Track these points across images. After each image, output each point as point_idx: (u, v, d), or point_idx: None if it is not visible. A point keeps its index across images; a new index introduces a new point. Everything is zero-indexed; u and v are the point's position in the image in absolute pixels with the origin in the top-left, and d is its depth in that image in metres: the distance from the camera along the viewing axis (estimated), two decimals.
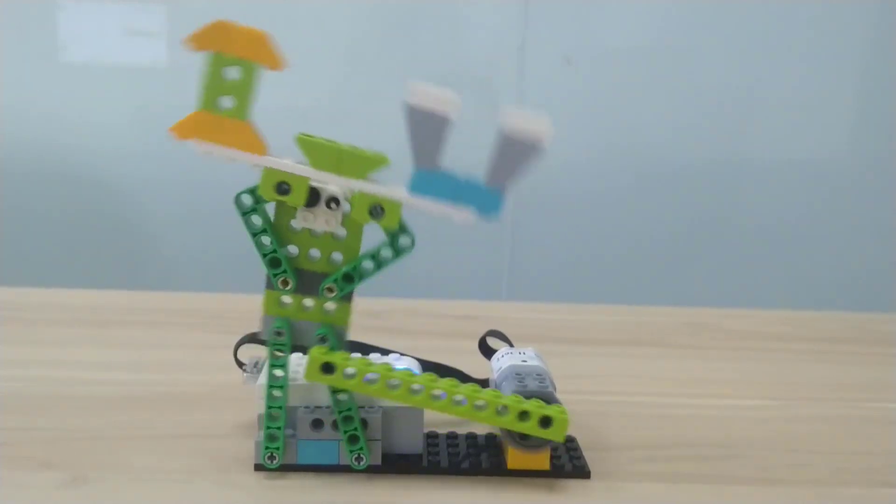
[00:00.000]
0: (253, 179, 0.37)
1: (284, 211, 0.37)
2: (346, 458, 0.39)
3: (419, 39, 1.13)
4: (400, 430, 0.40)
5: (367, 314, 0.65)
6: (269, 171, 0.36)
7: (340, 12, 1.12)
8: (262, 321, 0.38)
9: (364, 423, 0.39)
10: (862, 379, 0.58)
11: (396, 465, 0.40)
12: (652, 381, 0.56)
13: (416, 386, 0.38)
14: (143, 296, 0.74)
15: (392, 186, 0.36)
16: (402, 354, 0.45)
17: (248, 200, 0.37)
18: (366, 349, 0.46)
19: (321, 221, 0.37)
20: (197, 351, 0.59)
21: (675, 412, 0.50)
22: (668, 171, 1.18)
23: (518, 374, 0.41)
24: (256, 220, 0.37)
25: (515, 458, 0.40)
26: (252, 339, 0.44)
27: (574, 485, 0.39)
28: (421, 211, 0.36)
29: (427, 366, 0.46)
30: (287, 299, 0.38)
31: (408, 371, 0.39)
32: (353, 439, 0.39)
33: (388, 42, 1.13)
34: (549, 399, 0.39)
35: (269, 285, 0.38)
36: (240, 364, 0.44)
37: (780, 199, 1.20)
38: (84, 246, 1.18)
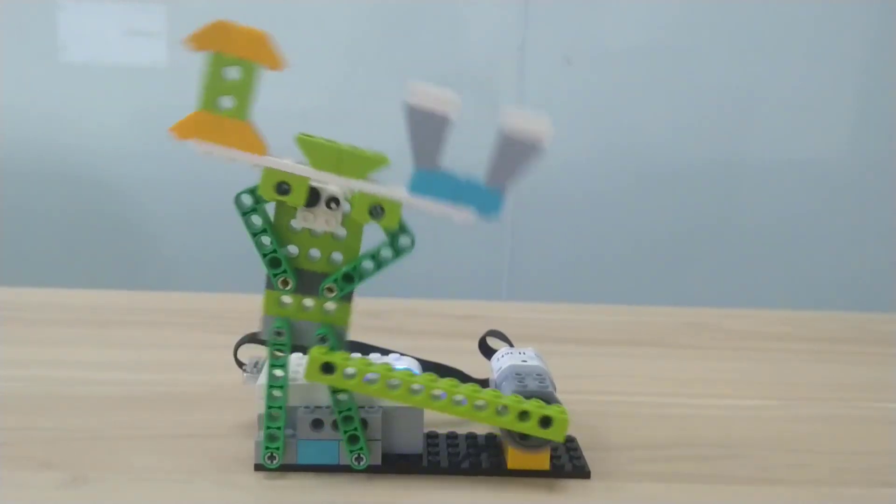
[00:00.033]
0: (253, 179, 0.37)
1: (284, 211, 0.37)
2: (346, 458, 0.39)
3: (419, 39, 1.13)
4: (400, 430, 0.40)
5: (367, 314, 0.65)
6: (268, 171, 0.36)
7: (340, 12, 1.12)
8: (262, 321, 0.38)
9: (364, 423, 0.39)
10: (862, 379, 0.58)
11: (396, 465, 0.40)
12: (652, 381, 0.56)
13: (416, 386, 0.38)
14: (143, 296, 0.74)
15: (392, 186, 0.36)
16: (402, 354, 0.45)
17: (248, 200, 0.37)
18: (366, 349, 0.46)
19: (321, 221, 0.37)
20: (197, 351, 0.59)
21: (675, 412, 0.50)
22: (668, 171, 1.18)
23: (518, 374, 0.41)
24: (256, 220, 0.37)
25: (515, 458, 0.40)
26: (252, 339, 0.44)
27: (574, 485, 0.39)
28: (421, 211, 0.36)
29: (427, 366, 0.46)
30: (287, 299, 0.38)
31: (408, 371, 0.39)
32: (353, 439, 0.39)
33: (388, 42, 1.13)
34: (549, 399, 0.39)
35: (269, 285, 0.38)
36: (240, 364, 0.44)
37: (780, 199, 1.20)
38: (84, 246, 1.18)
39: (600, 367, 0.59)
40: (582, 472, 0.40)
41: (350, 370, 0.38)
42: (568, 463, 0.40)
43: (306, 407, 0.39)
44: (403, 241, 0.37)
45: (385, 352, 0.46)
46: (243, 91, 0.34)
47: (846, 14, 1.14)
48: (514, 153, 0.35)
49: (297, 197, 0.36)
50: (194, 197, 1.13)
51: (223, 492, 0.38)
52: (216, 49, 0.34)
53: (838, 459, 0.44)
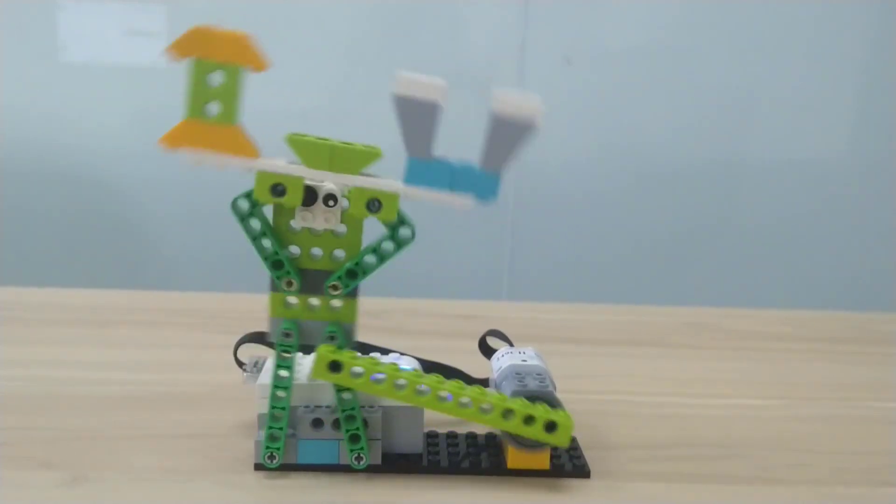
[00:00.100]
0: (249, 181, 0.37)
1: (282, 212, 0.37)
2: (346, 458, 0.39)
3: (419, 39, 1.13)
4: (400, 430, 0.40)
5: (367, 314, 0.65)
6: (262, 174, 0.36)
7: (340, 12, 1.12)
8: (269, 324, 0.38)
9: (364, 422, 0.39)
10: (862, 379, 0.58)
11: (396, 464, 0.40)
12: (652, 381, 0.56)
13: (422, 387, 0.38)
14: (143, 296, 0.74)
15: (387, 179, 0.36)
16: (402, 354, 0.45)
17: (244, 205, 0.37)
18: (366, 349, 0.46)
19: (320, 220, 0.37)
20: (197, 351, 0.59)
21: (675, 412, 0.50)
22: (668, 171, 1.18)
23: (518, 374, 0.41)
24: (255, 223, 0.37)
25: (515, 457, 0.40)
26: (252, 338, 0.44)
27: (574, 484, 0.39)
28: (419, 201, 0.36)
29: (427, 365, 0.46)
30: (293, 300, 0.38)
31: (416, 372, 0.39)
32: (354, 438, 0.39)
33: (388, 42, 1.13)
34: (549, 398, 0.39)
35: (274, 287, 0.38)
36: (240, 364, 0.44)
37: (780, 199, 1.20)
38: (84, 246, 1.18)
39: (600, 367, 0.59)
40: (582, 471, 0.40)
41: (357, 369, 0.38)
42: (568, 463, 0.40)
43: (306, 406, 0.39)
44: (404, 232, 0.37)
45: (385, 351, 0.46)
46: (229, 95, 0.34)
47: (846, 14, 1.14)
48: (508, 134, 0.34)
49: (294, 197, 0.36)
50: (194, 197, 1.13)
51: (223, 492, 0.38)
52: (198, 55, 0.34)
53: (838, 459, 0.44)
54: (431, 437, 0.42)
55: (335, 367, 0.37)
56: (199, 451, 0.41)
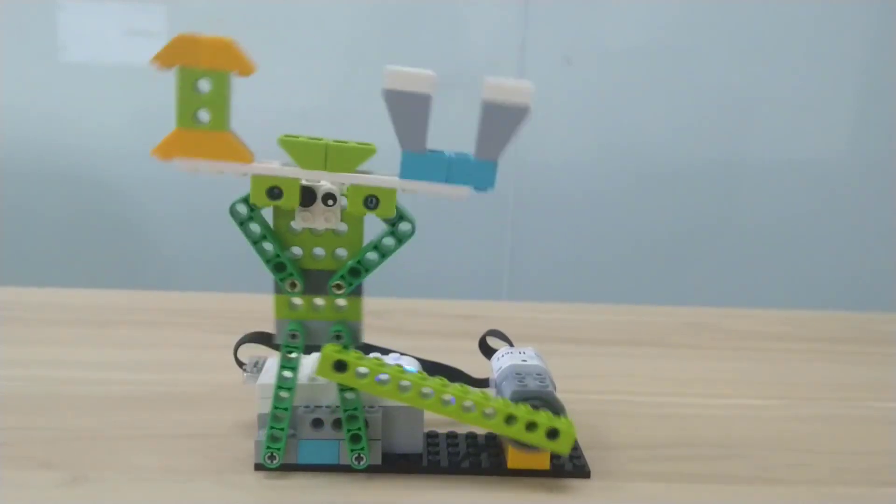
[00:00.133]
0: (247, 184, 0.37)
1: (282, 214, 0.37)
2: (346, 458, 0.39)
3: (419, 39, 1.13)
4: (400, 430, 0.40)
5: (368, 314, 0.65)
6: (257, 178, 0.36)
7: (340, 12, 1.12)
8: (275, 326, 0.38)
9: (365, 422, 0.39)
10: (862, 379, 0.58)
11: (396, 464, 0.40)
12: (652, 381, 0.56)
13: (426, 390, 0.38)
14: (143, 296, 0.74)
15: (383, 174, 0.36)
16: (402, 354, 0.45)
17: (243, 209, 0.37)
18: (366, 349, 0.46)
19: (320, 220, 0.37)
20: (197, 351, 0.59)
21: (675, 412, 0.50)
22: (668, 171, 1.18)
23: (518, 374, 0.41)
24: (254, 227, 0.37)
25: (515, 457, 0.40)
26: (253, 339, 0.44)
27: (574, 485, 0.39)
28: (417, 195, 0.36)
29: (427, 365, 0.46)
30: (298, 301, 0.38)
31: (420, 374, 0.39)
32: (355, 438, 0.39)
33: (388, 42, 1.13)
34: (549, 399, 0.39)
35: (278, 290, 0.38)
36: (240, 364, 0.44)
37: (780, 199, 1.20)
38: (84, 246, 1.18)
39: (600, 367, 0.59)
40: (582, 471, 0.40)
41: (362, 369, 0.38)
42: (568, 463, 0.40)
43: (307, 406, 0.39)
44: (403, 227, 0.37)
45: (385, 351, 0.46)
46: (218, 101, 0.34)
47: (846, 14, 1.14)
48: (500, 121, 0.34)
49: (290, 199, 0.36)
50: (194, 197, 1.13)
51: (223, 492, 0.38)
52: (183, 64, 0.34)
53: (838, 459, 0.44)
54: (431, 437, 0.42)
55: (340, 366, 0.37)
56: (199, 451, 0.41)
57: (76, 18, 1.11)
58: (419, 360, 0.45)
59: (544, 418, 0.38)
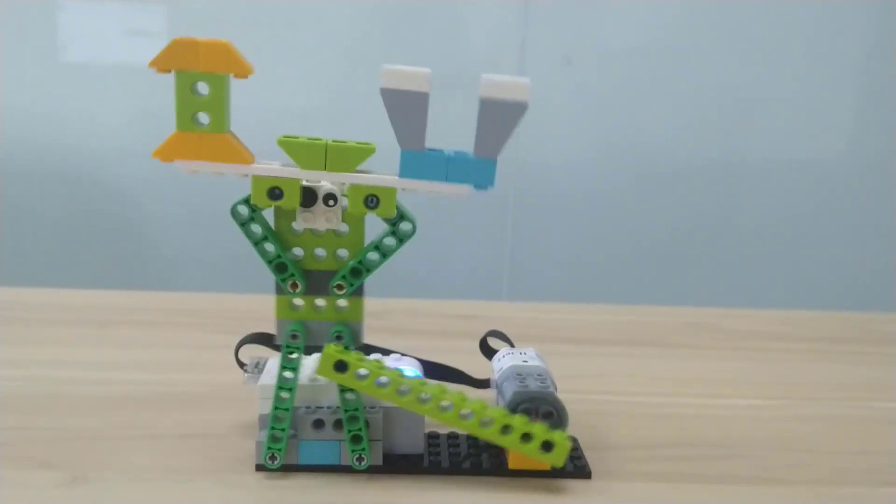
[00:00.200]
0: (247, 184, 0.37)
1: (283, 215, 0.37)
2: (347, 459, 0.39)
3: (419, 39, 1.13)
4: (401, 431, 0.40)
5: (368, 314, 0.65)
6: (258, 179, 0.36)
7: (340, 12, 1.11)
8: (276, 326, 0.38)
9: (365, 423, 0.39)
10: (862, 379, 0.58)
11: (397, 465, 0.40)
12: (652, 381, 0.56)
13: (424, 395, 0.38)
14: (143, 296, 0.74)
15: (383, 174, 0.36)
16: (402, 355, 0.45)
17: (244, 210, 0.37)
18: (367, 349, 0.46)
19: (322, 220, 0.37)
20: (197, 351, 0.59)
21: (675, 412, 0.50)
22: (668, 171, 1.18)
23: (519, 375, 0.41)
24: (256, 228, 0.37)
25: (516, 458, 0.40)
26: (254, 339, 0.44)
27: (575, 485, 0.39)
28: (417, 194, 0.36)
29: (428, 366, 0.46)
30: (299, 302, 0.38)
31: (420, 379, 0.39)
32: (356, 439, 0.39)
33: (388, 42, 1.13)
34: (550, 399, 0.39)
35: (279, 290, 0.38)
36: (241, 364, 0.44)
37: (780, 199, 1.20)
38: (84, 246, 1.18)
39: (600, 367, 0.59)
40: (583, 472, 0.40)
41: (363, 371, 0.38)
42: (569, 463, 0.40)
43: (307, 407, 0.39)
44: (404, 227, 0.37)
45: (386, 352, 0.46)
46: (217, 104, 0.34)
47: (846, 14, 1.14)
48: (498, 118, 0.34)
49: (291, 199, 0.36)
50: (194, 197, 1.13)
51: (223, 492, 0.38)
52: (180, 67, 0.34)
53: (838, 459, 0.44)
54: (432, 437, 0.42)
55: (341, 367, 0.38)
56: (199, 451, 0.41)
57: (76, 18, 1.11)
58: (420, 360, 0.45)
59: (539, 430, 0.38)
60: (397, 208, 0.37)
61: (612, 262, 1.20)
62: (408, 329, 0.68)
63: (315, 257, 0.38)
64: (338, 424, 0.39)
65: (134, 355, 0.57)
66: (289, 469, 0.39)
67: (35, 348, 0.58)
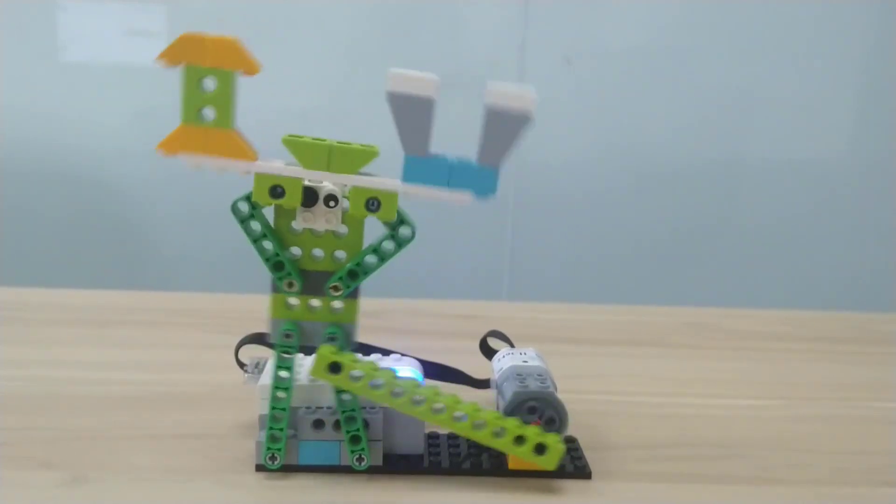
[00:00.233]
0: (250, 181, 0.37)
1: (283, 213, 0.37)
2: (347, 459, 0.39)
3: (419, 39, 1.13)
4: (401, 431, 0.40)
5: (368, 314, 0.64)
6: (260, 177, 0.36)
7: (340, 12, 1.11)
8: (270, 325, 0.38)
9: (365, 423, 0.39)
10: (862, 379, 0.58)
11: (397, 465, 0.40)
12: (652, 381, 0.56)
13: (418, 397, 0.38)
14: (143, 296, 0.74)
15: (385, 178, 0.36)
16: (402, 355, 0.45)
17: (244, 207, 0.37)
18: (367, 349, 0.46)
19: (321, 221, 0.37)
20: (197, 351, 0.59)
21: (675, 412, 0.50)
22: (668, 171, 1.18)
23: (519, 375, 0.41)
24: (255, 225, 0.37)
25: (516, 458, 0.40)
26: (253, 339, 0.44)
27: (575, 485, 0.39)
28: (418, 199, 0.36)
29: (428, 366, 0.46)
30: (294, 301, 0.38)
31: (414, 381, 0.39)
32: (354, 440, 0.39)
33: (388, 42, 1.13)
34: (550, 399, 0.39)
35: (275, 289, 0.38)
36: (241, 365, 0.44)
37: (780, 199, 1.20)
38: (84, 246, 1.18)
39: (600, 367, 0.59)
40: (583, 472, 0.40)
41: (357, 372, 0.38)
42: (569, 463, 0.40)
43: (307, 407, 0.39)
44: (404, 231, 0.37)
45: (386, 352, 0.46)
46: (223, 100, 0.34)
47: (846, 14, 1.14)
48: (503, 127, 0.34)
49: (293, 198, 0.36)
50: (194, 197, 1.13)
51: (223, 492, 0.38)
52: (188, 62, 0.34)
53: (838, 459, 0.44)
54: (433, 437, 0.42)
55: (335, 368, 0.37)
56: (199, 451, 0.41)
57: (76, 18, 1.11)
58: (420, 360, 0.45)
59: (532, 433, 0.38)
60: (398, 213, 0.37)
61: (612, 262, 1.20)
62: (408, 329, 0.68)
63: (313, 257, 0.38)
64: (338, 425, 0.39)
65: (134, 355, 0.57)
66: (289, 469, 0.39)
67: (35, 348, 0.58)
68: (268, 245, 0.37)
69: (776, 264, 1.22)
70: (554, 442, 0.38)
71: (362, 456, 0.39)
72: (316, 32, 1.11)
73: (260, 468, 0.39)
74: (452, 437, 0.43)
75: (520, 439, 0.38)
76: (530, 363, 0.43)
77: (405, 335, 0.65)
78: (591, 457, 0.42)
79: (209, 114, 0.35)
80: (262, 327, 0.43)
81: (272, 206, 0.37)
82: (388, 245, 0.37)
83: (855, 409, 0.52)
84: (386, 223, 0.37)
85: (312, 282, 0.38)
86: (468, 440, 0.42)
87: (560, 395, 0.39)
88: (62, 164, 1.15)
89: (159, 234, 1.19)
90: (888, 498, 0.40)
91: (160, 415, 0.46)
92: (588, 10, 1.13)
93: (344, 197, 0.37)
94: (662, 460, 0.43)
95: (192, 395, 0.50)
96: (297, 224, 0.37)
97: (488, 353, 0.48)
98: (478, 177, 0.35)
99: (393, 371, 0.39)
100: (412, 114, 0.34)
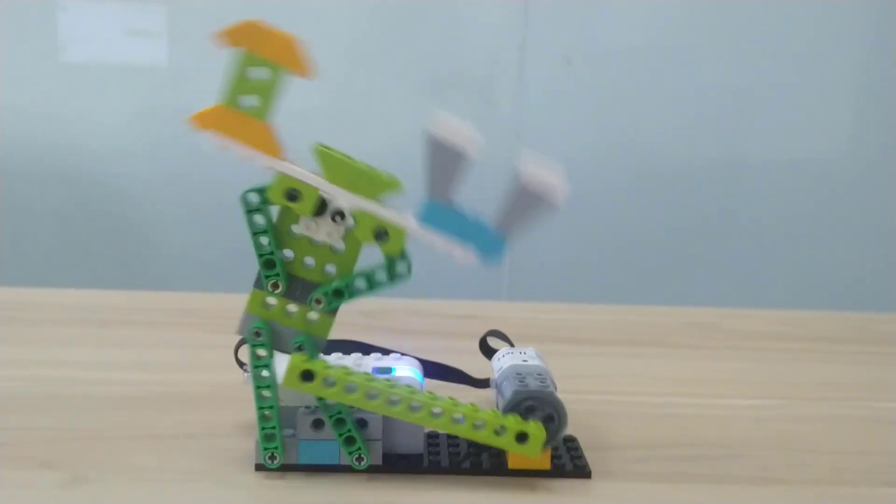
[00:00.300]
0: (253, 181, 0.37)
1: (288, 216, 0.37)
2: (346, 459, 0.39)
3: (419, 39, 1.13)
4: (400, 430, 0.40)
5: (368, 314, 0.65)
6: (282, 177, 0.36)
7: (340, 12, 1.12)
8: (242, 318, 0.38)
9: (364, 423, 0.39)
10: (862, 379, 0.58)
11: (397, 465, 0.40)
12: (652, 381, 0.56)
13: (394, 397, 0.38)
14: (143, 296, 0.74)
15: (401, 213, 0.36)
16: (402, 354, 0.45)
17: (254, 199, 0.37)
18: (366, 349, 0.46)
19: (323, 232, 0.37)
20: (197, 351, 0.59)
21: (675, 412, 0.50)
22: (668, 171, 1.18)
23: (519, 374, 0.41)
24: (259, 219, 0.37)
25: (516, 458, 0.40)
26: None
27: (575, 484, 0.39)
28: (425, 242, 0.36)
29: (428, 366, 0.46)
30: (272, 301, 0.38)
31: (389, 381, 0.39)
32: (349, 441, 0.39)
33: (388, 42, 1.13)
34: (549, 399, 0.39)
35: (258, 285, 0.38)
36: (240, 364, 0.44)
37: (780, 199, 1.20)
38: (84, 246, 1.18)
39: (600, 367, 0.59)
40: (583, 471, 0.40)
41: (330, 379, 0.38)
42: (569, 463, 0.40)
43: (307, 407, 0.39)
44: (401, 267, 0.37)
45: (386, 351, 0.46)
46: (268, 93, 0.34)
47: (846, 14, 1.14)
48: (527, 203, 0.35)
49: (305, 206, 0.36)
50: (194, 197, 1.13)
51: (223, 492, 0.38)
52: (247, 47, 0.34)
53: (838, 459, 0.44)
54: (432, 437, 0.42)
55: (307, 376, 0.37)
56: (199, 451, 0.41)
57: (76, 18, 1.11)
58: (420, 360, 0.45)
59: (512, 422, 0.38)
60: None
61: (612, 262, 1.20)
62: (408, 329, 0.68)
63: (303, 265, 0.38)
64: None
65: (134, 355, 0.57)
66: (288, 469, 0.39)
67: (35, 348, 0.58)
68: (265, 241, 0.37)
69: (776, 264, 1.22)
70: (535, 429, 0.38)
71: (362, 455, 0.39)
72: (316, 32, 1.10)
73: (259, 468, 0.39)
74: (452, 436, 0.43)
75: (501, 430, 0.38)
76: (530, 362, 0.43)
77: (405, 335, 0.65)
78: (591, 456, 0.42)
79: (250, 101, 0.35)
80: None
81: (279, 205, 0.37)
82: (382, 276, 0.37)
83: (855, 409, 0.52)
84: (386, 255, 0.37)
85: (296, 287, 0.38)
86: (467, 440, 0.42)
87: (560, 395, 0.39)
88: (62, 164, 1.15)
89: (159, 233, 1.19)
90: (888, 498, 0.40)
91: (160, 415, 0.46)
92: (588, 10, 1.13)
93: (350, 216, 0.37)
94: (662, 460, 0.43)
95: (192, 395, 0.50)
96: (298, 229, 0.37)
97: (488, 352, 0.48)
98: (488, 242, 0.36)
99: (369, 373, 0.39)
100: (444, 161, 0.34)
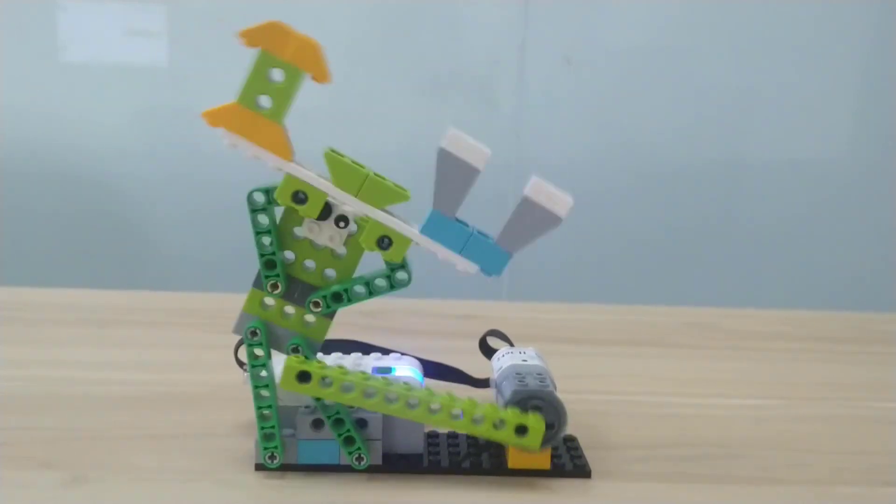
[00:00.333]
0: (254, 181, 0.37)
1: (291, 217, 0.37)
2: (346, 458, 0.39)
3: (419, 39, 1.13)
4: (400, 430, 0.40)
5: (368, 314, 0.65)
6: (291, 178, 0.36)
7: (340, 12, 1.11)
8: (239, 317, 0.38)
9: (364, 423, 0.39)
10: (862, 379, 0.58)
11: (397, 464, 0.40)
12: (652, 381, 0.56)
13: (391, 395, 0.38)
14: (143, 296, 0.74)
15: (405, 222, 0.36)
16: (402, 354, 0.45)
17: (260, 199, 0.37)
18: (366, 349, 0.46)
19: (325, 236, 0.37)
20: (197, 351, 0.59)
21: (675, 412, 0.50)
22: (668, 171, 1.18)
23: (519, 374, 0.41)
24: (263, 219, 0.37)
25: (516, 457, 0.40)
26: None
27: (575, 484, 0.39)
28: (427, 252, 0.36)
29: (428, 365, 0.46)
30: (270, 302, 0.38)
31: (385, 380, 0.39)
32: (348, 441, 0.39)
33: (388, 42, 1.13)
34: (549, 398, 0.39)
35: (257, 284, 0.38)
36: (240, 364, 0.44)
37: (780, 199, 1.20)
38: (84, 246, 1.18)
39: (600, 367, 0.59)
40: (583, 471, 0.40)
41: (327, 379, 0.38)
42: (569, 462, 0.41)
43: (307, 406, 0.39)
44: (401, 275, 0.37)
45: (385, 351, 0.46)
46: (284, 95, 0.34)
47: (846, 14, 1.14)
48: (532, 221, 0.35)
49: (312, 209, 0.36)
50: (194, 197, 1.13)
51: (223, 492, 0.38)
52: (267, 48, 0.34)
53: (838, 459, 0.44)
54: (432, 437, 0.42)
55: (304, 377, 0.37)
56: (199, 451, 0.41)
57: (76, 18, 1.11)
58: (420, 360, 0.45)
59: (511, 416, 0.38)
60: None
61: (612, 262, 1.20)
62: (408, 329, 0.68)
63: (304, 267, 0.38)
64: None
65: (134, 355, 0.57)
66: (288, 469, 0.39)
67: (35, 348, 0.58)
68: (267, 241, 0.37)
69: (776, 264, 1.22)
70: (535, 422, 0.38)
71: (361, 455, 0.39)
72: (316, 32, 1.11)
73: (259, 468, 0.39)
74: (452, 436, 0.43)
75: (500, 423, 0.38)
76: (530, 362, 0.43)
77: (405, 335, 0.65)
78: (590, 456, 0.42)
79: (265, 102, 0.35)
80: None
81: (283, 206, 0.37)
82: (381, 283, 0.38)
83: (855, 409, 0.52)
84: (388, 262, 0.37)
85: (294, 289, 0.38)
86: (467, 439, 0.42)
87: (560, 395, 0.39)
88: (62, 164, 1.15)
89: (159, 234, 1.19)
90: (888, 498, 0.40)
91: (160, 415, 0.46)
92: (588, 10, 1.13)
93: (354, 221, 0.37)
94: (662, 460, 0.43)
95: (192, 395, 0.50)
96: (301, 231, 0.37)
97: (488, 352, 0.48)
98: (490, 254, 0.36)
99: (366, 373, 0.39)
100: (455, 175, 0.35)
